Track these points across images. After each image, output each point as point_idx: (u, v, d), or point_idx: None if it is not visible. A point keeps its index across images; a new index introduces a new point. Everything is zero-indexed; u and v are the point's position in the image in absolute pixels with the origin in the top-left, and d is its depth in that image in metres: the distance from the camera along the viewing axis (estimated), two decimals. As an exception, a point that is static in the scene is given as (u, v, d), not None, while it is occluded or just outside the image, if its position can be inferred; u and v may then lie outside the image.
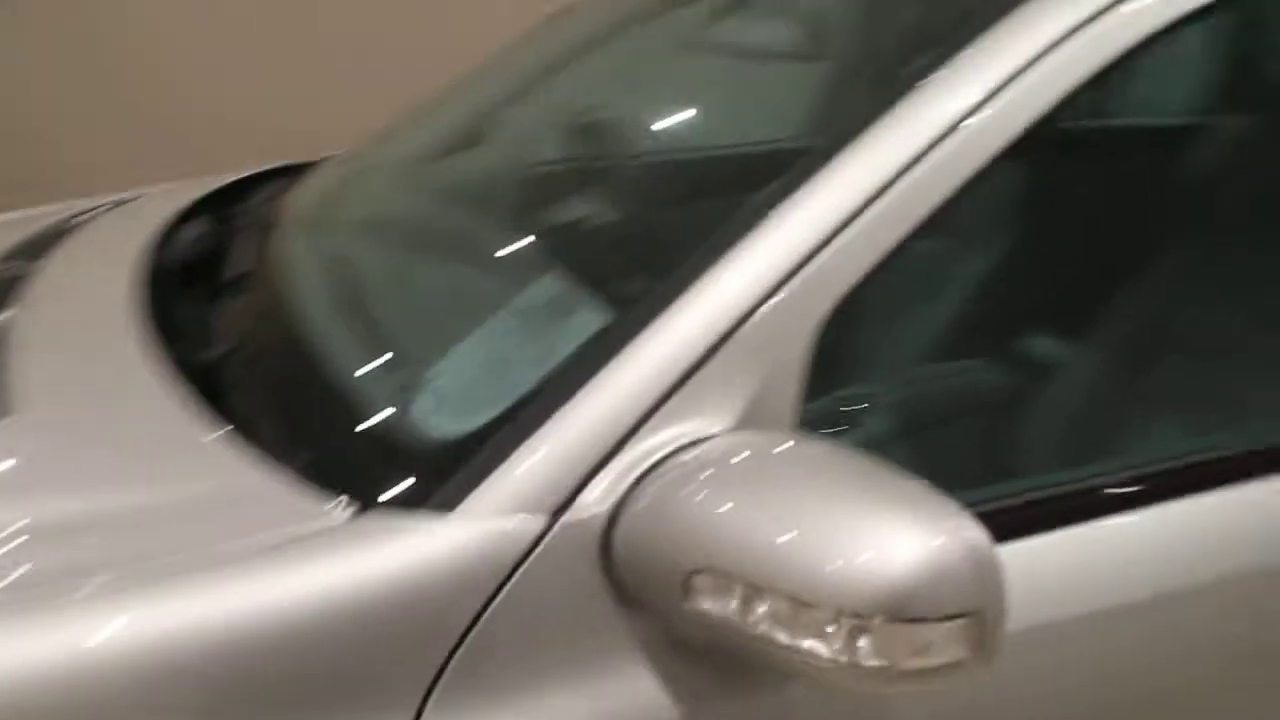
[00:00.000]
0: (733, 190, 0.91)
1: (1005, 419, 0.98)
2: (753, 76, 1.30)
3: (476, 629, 0.70)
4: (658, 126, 1.26)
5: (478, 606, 0.71)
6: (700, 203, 1.05)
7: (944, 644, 0.63)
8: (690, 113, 1.26)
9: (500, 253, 1.10)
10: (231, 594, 0.69)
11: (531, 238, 1.09)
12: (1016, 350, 1.01)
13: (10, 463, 0.87)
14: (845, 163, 0.81)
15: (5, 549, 0.74)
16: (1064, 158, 1.03)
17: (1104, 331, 1.02)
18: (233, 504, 0.79)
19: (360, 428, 0.84)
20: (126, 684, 0.66)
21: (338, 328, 0.96)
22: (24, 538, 0.76)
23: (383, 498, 0.75)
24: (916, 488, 0.68)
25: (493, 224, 1.19)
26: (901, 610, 0.62)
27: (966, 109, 0.80)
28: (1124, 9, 0.82)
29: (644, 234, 1.07)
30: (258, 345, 1.05)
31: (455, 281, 1.06)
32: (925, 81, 0.81)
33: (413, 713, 0.70)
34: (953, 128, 0.79)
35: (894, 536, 0.64)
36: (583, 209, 1.21)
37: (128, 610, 0.69)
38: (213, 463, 0.83)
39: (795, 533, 0.66)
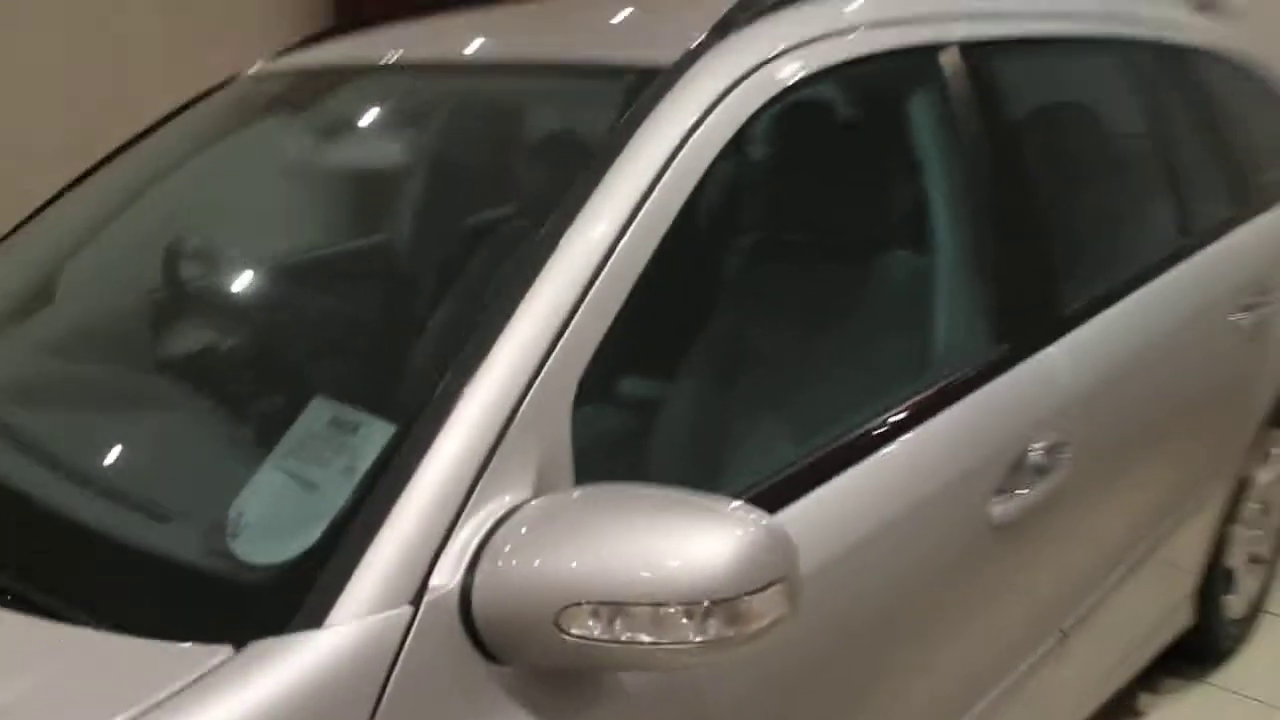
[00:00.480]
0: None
1: (719, 438, 1.20)
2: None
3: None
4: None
5: (372, 703, 0.77)
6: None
7: (770, 606, 0.80)
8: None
9: (227, 388, 1.13)
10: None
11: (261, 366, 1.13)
12: (712, 388, 1.23)
13: None
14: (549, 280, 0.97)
15: None
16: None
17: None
18: (111, 680, 0.77)
19: (197, 576, 0.85)
20: None
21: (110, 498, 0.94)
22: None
23: (251, 632, 0.78)
24: (703, 497, 0.86)
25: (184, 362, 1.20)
26: (736, 589, 0.78)
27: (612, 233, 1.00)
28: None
29: (384, 343, 1.15)
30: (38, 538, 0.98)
31: (206, 425, 1.07)
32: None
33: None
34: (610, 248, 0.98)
35: (708, 537, 0.80)
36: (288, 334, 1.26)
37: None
38: (62, 649, 0.80)
39: (634, 555, 0.80)
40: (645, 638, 0.79)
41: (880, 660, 1.21)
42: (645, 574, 0.78)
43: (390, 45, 1.55)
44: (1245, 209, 2.15)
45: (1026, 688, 1.54)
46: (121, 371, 1.29)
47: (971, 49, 1.51)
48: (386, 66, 1.41)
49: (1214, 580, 2.21)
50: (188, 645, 0.77)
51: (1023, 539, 1.41)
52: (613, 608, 0.79)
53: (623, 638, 0.79)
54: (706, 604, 0.78)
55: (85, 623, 0.81)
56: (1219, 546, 2.18)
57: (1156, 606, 1.99)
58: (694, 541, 0.80)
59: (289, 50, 1.70)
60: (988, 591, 1.38)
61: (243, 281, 1.51)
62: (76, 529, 0.92)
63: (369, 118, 1.54)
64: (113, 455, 1.05)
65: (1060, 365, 1.49)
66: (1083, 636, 1.67)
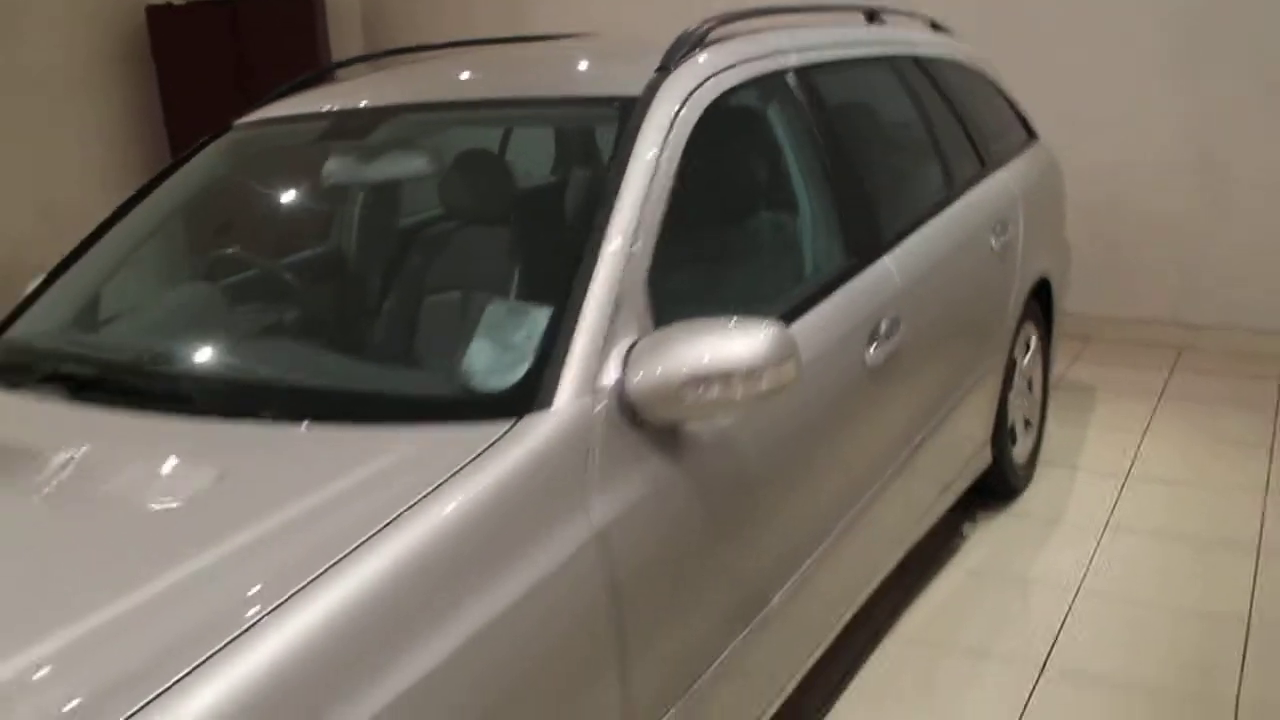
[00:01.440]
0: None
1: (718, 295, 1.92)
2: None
3: (593, 455, 1.41)
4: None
5: (585, 441, 1.41)
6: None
7: (785, 372, 1.49)
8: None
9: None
10: (493, 466, 1.32)
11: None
12: (708, 270, 1.94)
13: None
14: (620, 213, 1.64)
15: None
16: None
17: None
18: (461, 443, 1.39)
19: (490, 389, 1.49)
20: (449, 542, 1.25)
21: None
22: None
23: (522, 412, 1.43)
24: (745, 318, 1.53)
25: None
26: (767, 361, 1.47)
27: (644, 185, 1.70)
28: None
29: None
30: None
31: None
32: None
33: (586, 504, 1.38)
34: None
35: (750, 337, 1.49)
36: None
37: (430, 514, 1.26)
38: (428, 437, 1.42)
39: (709, 352, 1.47)
40: (721, 395, 1.47)
41: (811, 451, 1.93)
42: (718, 359, 1.46)
43: (404, 92, 2.19)
44: (985, 168, 3.05)
45: (888, 492, 2.31)
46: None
47: (803, 71, 2.28)
48: (423, 105, 2.07)
49: (1002, 434, 3.08)
50: (496, 422, 1.40)
51: (883, 379, 2.17)
52: (703, 380, 1.46)
53: (710, 397, 1.46)
54: (752, 371, 1.46)
55: (431, 420, 1.45)
56: (1002, 409, 3.05)
57: (968, 445, 2.82)
58: (740, 340, 1.48)
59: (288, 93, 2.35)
60: (866, 411, 2.14)
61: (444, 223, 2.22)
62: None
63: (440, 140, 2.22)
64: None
65: (889, 270, 2.27)
66: (923, 457, 2.46)
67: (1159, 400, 4.00)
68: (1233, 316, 4.47)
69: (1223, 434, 3.68)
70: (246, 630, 1.09)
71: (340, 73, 2.82)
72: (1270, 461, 3.44)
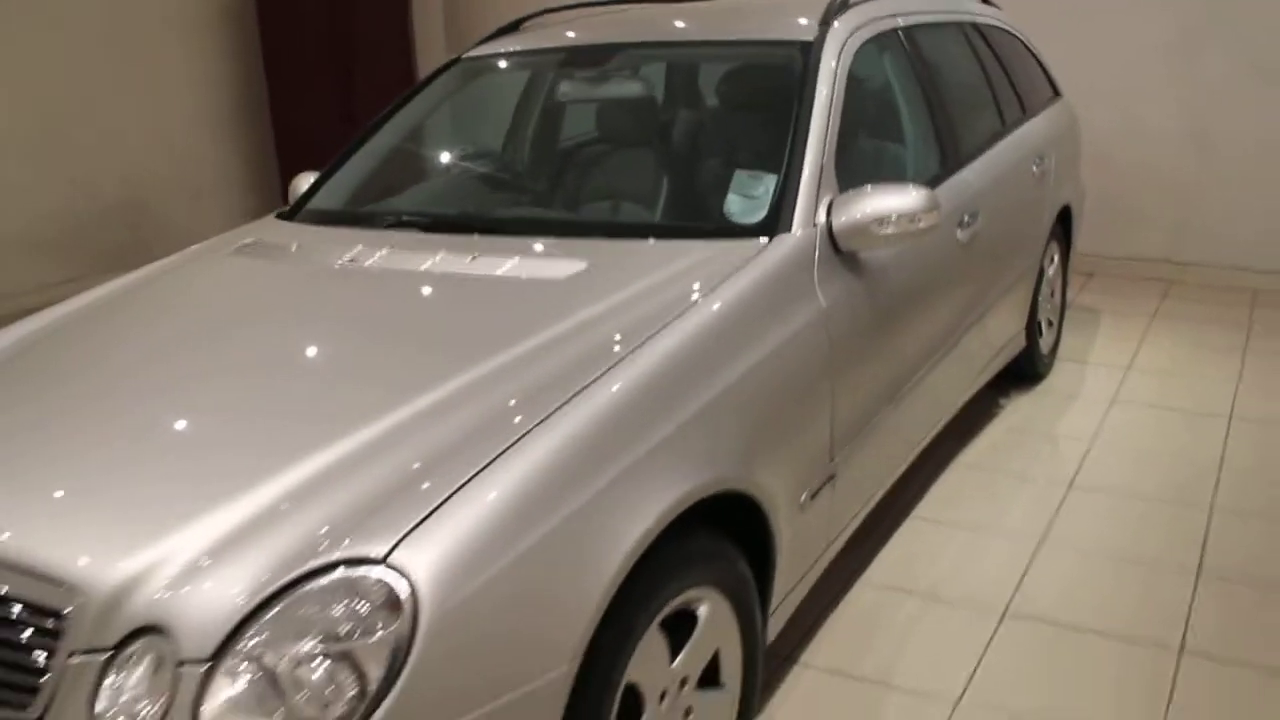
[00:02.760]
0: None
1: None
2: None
3: (814, 265, 2.19)
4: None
5: (811, 259, 2.19)
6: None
7: (934, 217, 2.27)
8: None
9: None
10: (761, 263, 2.11)
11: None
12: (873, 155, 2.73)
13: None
14: (815, 118, 2.42)
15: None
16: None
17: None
18: (731, 252, 2.18)
19: (748, 220, 2.27)
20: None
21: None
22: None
23: (771, 234, 2.22)
24: (897, 183, 2.32)
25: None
26: (926, 209, 2.25)
27: (827, 100, 2.48)
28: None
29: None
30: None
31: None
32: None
33: (814, 293, 2.16)
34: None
35: (909, 194, 2.28)
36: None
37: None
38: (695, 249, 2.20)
39: (887, 201, 2.27)
40: (897, 230, 2.25)
41: (929, 288, 2.74)
42: (890, 206, 2.24)
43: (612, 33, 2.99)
44: (1025, 114, 3.84)
45: (968, 337, 3.11)
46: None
47: (907, 30, 3.06)
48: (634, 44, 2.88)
49: (1033, 325, 3.88)
50: (753, 239, 2.19)
51: (967, 253, 2.97)
52: (880, 220, 2.24)
53: (888, 231, 2.24)
54: (914, 214, 2.24)
55: (717, 239, 2.24)
56: (1034, 306, 3.85)
57: (1011, 326, 3.63)
58: (904, 195, 2.26)
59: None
60: (957, 273, 2.94)
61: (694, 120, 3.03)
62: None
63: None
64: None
65: (968, 178, 3.06)
66: (986, 321, 3.26)
67: (1152, 319, 4.84)
68: (1215, 255, 5.31)
69: (1204, 342, 4.52)
70: (616, 364, 1.79)
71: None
72: (1241, 361, 4.27)
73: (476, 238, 2.42)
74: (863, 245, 2.33)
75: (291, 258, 2.53)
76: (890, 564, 2.87)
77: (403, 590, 1.38)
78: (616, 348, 1.84)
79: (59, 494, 1.64)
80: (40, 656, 1.46)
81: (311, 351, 2.06)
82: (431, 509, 1.47)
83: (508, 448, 1.58)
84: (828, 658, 2.47)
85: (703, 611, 1.84)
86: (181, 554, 1.46)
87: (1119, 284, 5.34)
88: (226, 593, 1.41)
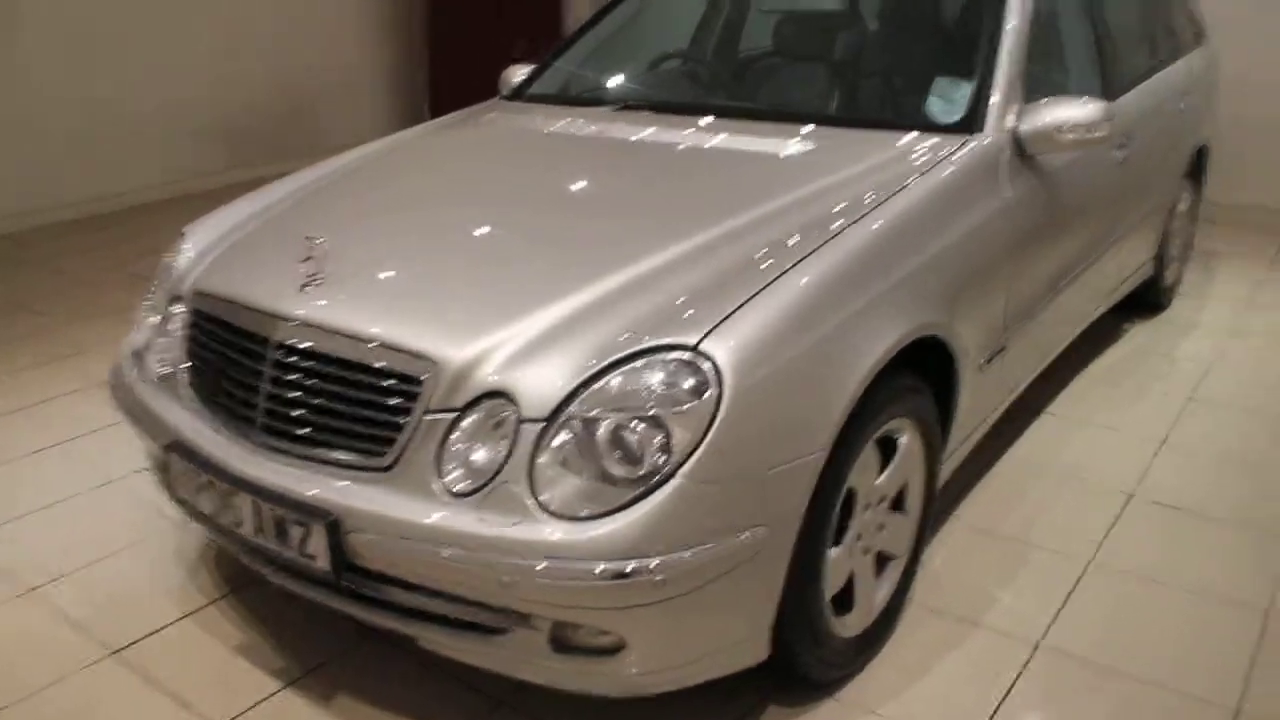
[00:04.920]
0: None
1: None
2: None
3: (1003, 163, 2.48)
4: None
5: (1006, 153, 2.50)
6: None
7: (1108, 126, 2.55)
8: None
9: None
10: (960, 156, 2.42)
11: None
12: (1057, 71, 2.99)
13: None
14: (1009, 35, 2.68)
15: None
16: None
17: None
18: (932, 144, 2.49)
19: (948, 119, 2.56)
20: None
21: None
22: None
23: (966, 131, 2.53)
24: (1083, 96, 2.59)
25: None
26: (1103, 120, 2.53)
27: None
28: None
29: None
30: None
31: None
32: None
33: (1000, 187, 2.46)
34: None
35: (1093, 104, 2.56)
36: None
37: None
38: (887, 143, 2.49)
39: (1069, 110, 2.54)
40: (1075, 138, 2.52)
41: (1091, 197, 3.01)
42: (1072, 116, 2.51)
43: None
44: (1177, 52, 4.03)
45: (1114, 249, 3.38)
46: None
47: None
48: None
49: (1161, 256, 4.11)
50: (959, 136, 2.49)
51: (1121, 171, 3.22)
52: (1062, 128, 2.51)
53: (1068, 138, 2.52)
54: (1091, 124, 2.51)
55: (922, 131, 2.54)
56: (1164, 238, 4.07)
57: (1144, 251, 3.87)
58: (1084, 106, 2.54)
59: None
60: (1112, 187, 3.21)
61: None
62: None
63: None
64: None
65: (1127, 104, 3.29)
66: (1127, 240, 3.51)
67: (1272, 263, 5.01)
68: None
69: (1321, 289, 4.70)
70: (857, 219, 2.14)
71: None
72: (1358, 308, 4.47)
73: (703, 120, 2.77)
74: (1044, 149, 2.60)
75: (544, 124, 2.95)
76: (1029, 447, 3.20)
77: (709, 372, 1.75)
78: (854, 208, 2.19)
79: (419, 291, 2.03)
80: (400, 415, 1.85)
81: (601, 193, 2.46)
82: (732, 309, 1.84)
83: (789, 267, 1.95)
84: (975, 517, 2.81)
85: (903, 440, 2.19)
86: (521, 337, 1.84)
87: (1240, 231, 5.50)
88: (561, 368, 1.79)
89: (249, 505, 1.94)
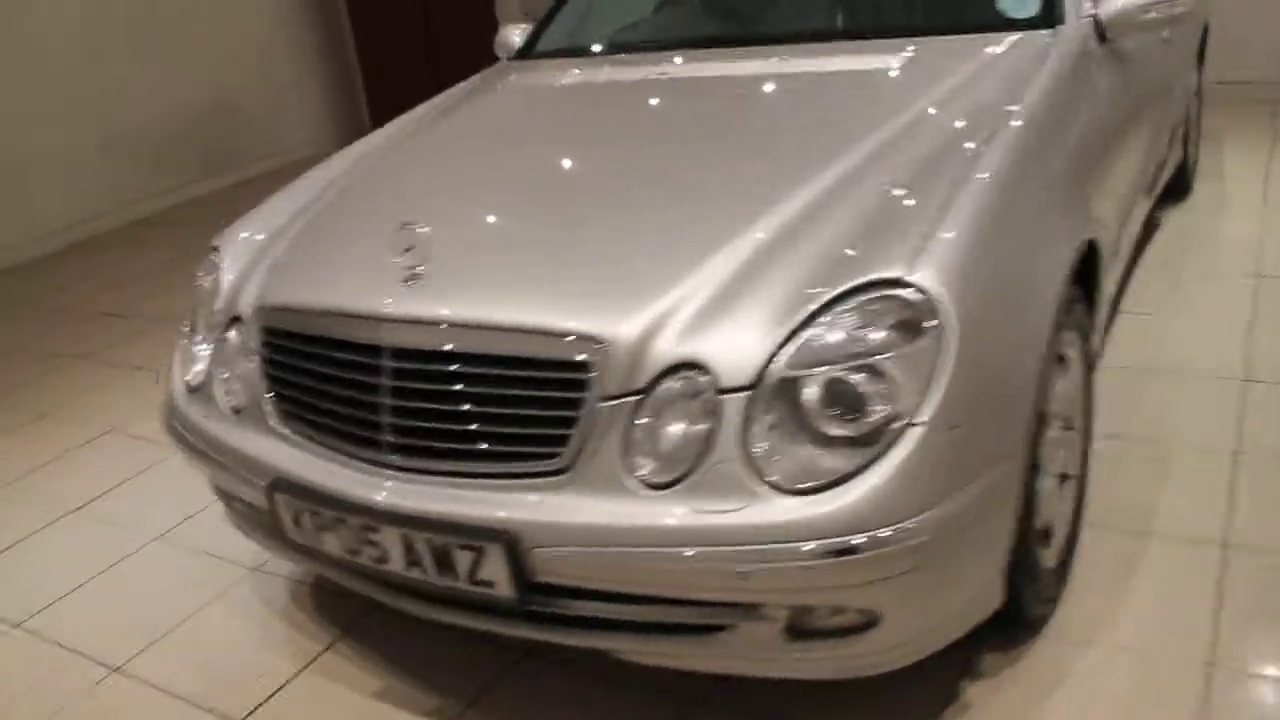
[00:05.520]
0: None
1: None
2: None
3: (1088, 49, 2.31)
4: None
5: (1085, 43, 2.32)
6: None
7: (1190, 3, 2.39)
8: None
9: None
10: (1052, 49, 2.23)
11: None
12: None
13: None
14: None
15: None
16: None
17: None
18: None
19: (1026, 15, 2.36)
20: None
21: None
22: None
23: (1039, 25, 2.34)
24: None
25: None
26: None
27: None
28: None
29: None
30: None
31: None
32: None
33: (1091, 71, 2.29)
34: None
35: None
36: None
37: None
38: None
39: None
40: (1158, 16, 2.37)
41: (1152, 88, 2.86)
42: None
43: None
44: None
45: (1160, 145, 3.24)
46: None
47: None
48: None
49: (1187, 138, 4.01)
50: (1038, 30, 2.32)
51: (1167, 52, 3.08)
52: (1145, 6, 2.36)
53: (1151, 16, 2.37)
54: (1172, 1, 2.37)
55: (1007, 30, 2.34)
56: (1186, 132, 3.97)
57: (1177, 132, 3.75)
58: None
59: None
60: (1165, 74, 3.06)
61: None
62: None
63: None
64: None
65: None
66: (1169, 123, 3.39)
67: (1275, 137, 4.97)
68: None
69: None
70: (998, 130, 1.93)
71: None
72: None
73: (758, 50, 2.54)
74: (1125, 31, 2.44)
75: (586, 76, 2.69)
76: (1120, 350, 3.06)
77: (924, 305, 1.54)
78: (982, 119, 1.98)
79: (553, 267, 1.78)
80: (570, 408, 1.61)
81: (696, 138, 2.19)
82: (919, 237, 1.63)
83: (957, 187, 1.74)
84: (1102, 426, 2.66)
85: (1071, 354, 2.02)
86: (694, 299, 1.62)
87: (1227, 107, 5.46)
88: (755, 325, 1.57)
89: (396, 539, 1.69)
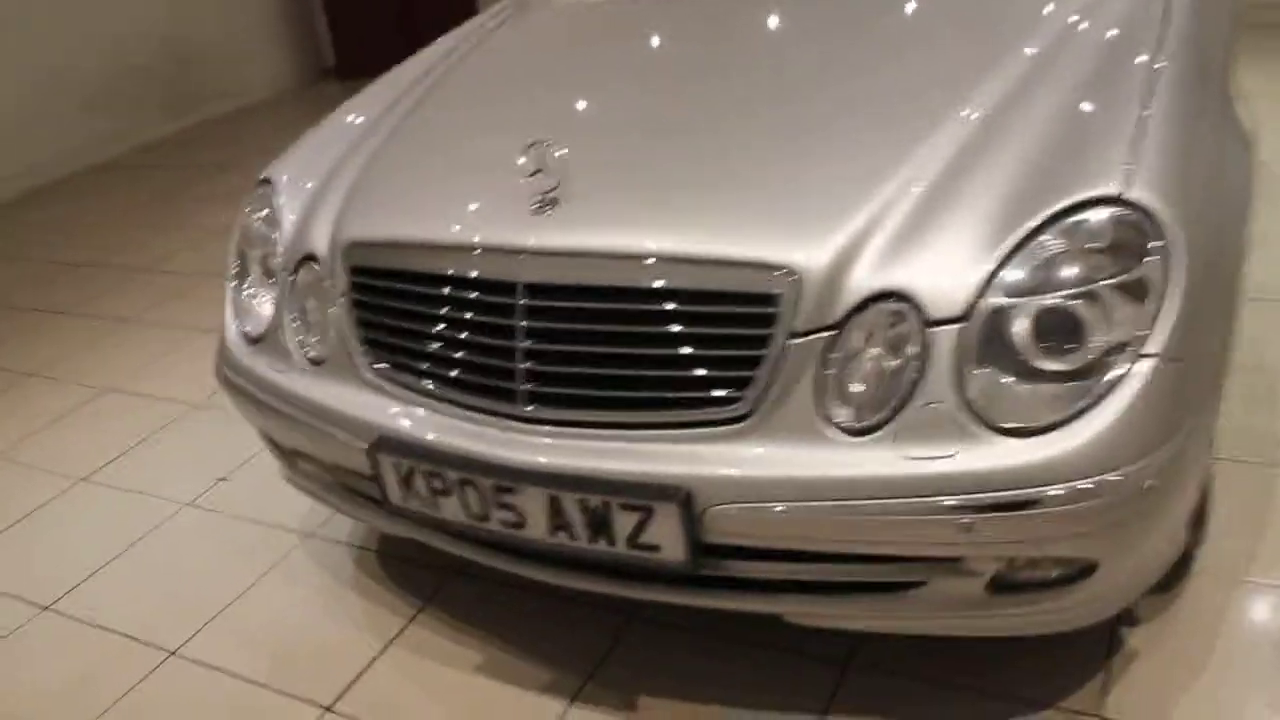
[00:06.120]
0: None
1: None
2: None
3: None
4: None
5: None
6: None
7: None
8: None
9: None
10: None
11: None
12: None
13: None
14: None
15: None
16: None
17: None
18: None
19: None
20: None
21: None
22: None
23: None
24: None
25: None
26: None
27: None
28: None
29: None
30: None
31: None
32: None
33: None
34: None
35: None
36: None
37: None
38: None
39: None
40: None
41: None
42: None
43: None
44: None
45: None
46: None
47: None
48: None
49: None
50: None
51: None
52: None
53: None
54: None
55: None
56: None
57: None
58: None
59: None
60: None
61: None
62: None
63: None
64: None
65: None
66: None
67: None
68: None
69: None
70: (1151, 51, 1.71)
71: None
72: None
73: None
74: None
75: None
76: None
77: (1149, 226, 1.37)
78: (1133, 23, 1.79)
79: (718, 188, 1.57)
80: (753, 346, 1.41)
81: (832, 46, 1.94)
82: (1137, 146, 1.45)
83: (1147, 94, 1.56)
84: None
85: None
86: (890, 222, 1.43)
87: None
88: (962, 251, 1.39)
89: (540, 501, 1.49)
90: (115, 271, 4.04)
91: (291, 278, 1.86)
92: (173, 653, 2.03)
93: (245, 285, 2.00)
